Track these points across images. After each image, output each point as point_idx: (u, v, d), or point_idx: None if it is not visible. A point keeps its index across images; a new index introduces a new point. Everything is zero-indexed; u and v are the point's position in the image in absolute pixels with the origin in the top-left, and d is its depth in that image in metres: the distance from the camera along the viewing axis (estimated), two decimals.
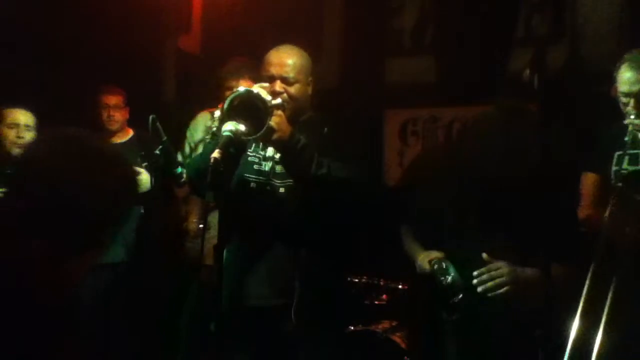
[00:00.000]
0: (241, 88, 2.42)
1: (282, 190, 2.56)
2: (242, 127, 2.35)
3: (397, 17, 4.91)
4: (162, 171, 3.16)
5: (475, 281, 2.42)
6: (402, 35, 4.90)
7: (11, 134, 3.52)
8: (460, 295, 2.47)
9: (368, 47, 4.89)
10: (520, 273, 2.40)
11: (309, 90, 2.65)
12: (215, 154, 2.32)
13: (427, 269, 2.58)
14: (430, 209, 2.68)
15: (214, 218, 2.85)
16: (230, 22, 4.75)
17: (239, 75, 3.43)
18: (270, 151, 2.60)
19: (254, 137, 2.41)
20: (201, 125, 3.77)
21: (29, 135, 3.52)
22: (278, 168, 2.58)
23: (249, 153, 2.63)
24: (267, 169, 2.60)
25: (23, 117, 3.54)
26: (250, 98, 2.39)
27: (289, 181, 2.55)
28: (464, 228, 2.55)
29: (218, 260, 2.66)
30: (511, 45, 4.47)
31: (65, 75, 4.13)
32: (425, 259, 2.61)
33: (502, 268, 2.39)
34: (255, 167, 2.62)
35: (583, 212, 2.87)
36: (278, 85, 2.55)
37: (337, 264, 2.65)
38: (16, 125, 3.52)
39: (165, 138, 3.09)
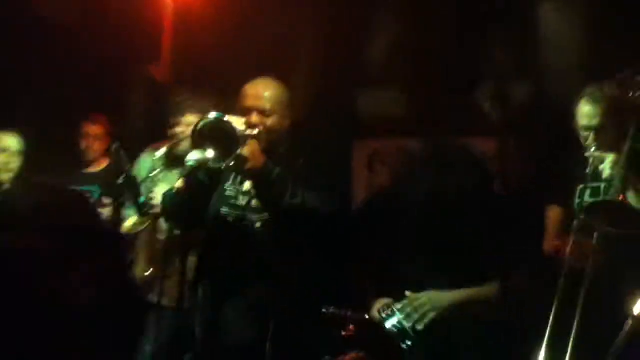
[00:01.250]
0: (211, 115, 2.41)
1: (258, 225, 2.56)
2: (209, 155, 2.35)
3: (365, 50, 5.00)
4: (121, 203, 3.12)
5: (401, 316, 2.52)
6: (370, 67, 4.98)
7: (0, 158, 3.41)
8: (409, 343, 2.58)
9: (337, 78, 4.95)
10: (442, 297, 2.57)
11: (287, 121, 2.66)
12: (179, 183, 2.32)
13: (377, 317, 2.75)
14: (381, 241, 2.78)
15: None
16: (201, 51, 4.78)
17: (180, 113, 3.31)
18: (247, 185, 2.59)
19: (222, 165, 2.40)
20: (146, 163, 3.60)
21: (18, 161, 3.42)
22: (255, 202, 2.57)
23: (226, 187, 2.62)
24: (243, 203, 2.59)
25: (13, 142, 3.43)
26: (220, 125, 2.39)
27: (266, 215, 2.54)
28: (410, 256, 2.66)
29: (193, 296, 2.65)
30: (477, 80, 4.58)
31: (35, 102, 4.10)
32: (376, 307, 2.78)
33: (421, 298, 2.52)
34: (232, 201, 2.60)
35: (548, 243, 2.95)
36: (254, 118, 2.55)
37: (313, 296, 2.66)
38: (5, 150, 3.41)
39: (128, 167, 3.06)
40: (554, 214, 2.98)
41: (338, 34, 4.98)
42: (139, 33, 4.72)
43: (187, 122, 3.25)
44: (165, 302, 3.07)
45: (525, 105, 4.28)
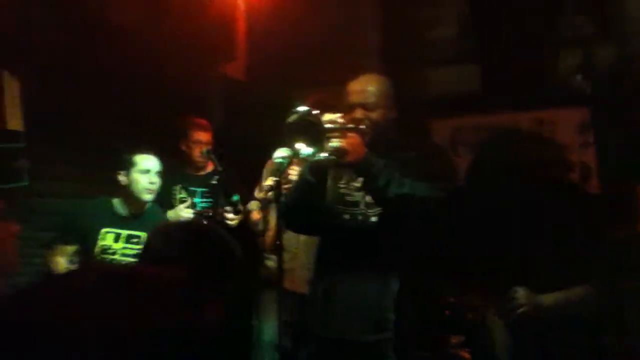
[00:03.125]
0: (300, 108, 2.43)
1: (373, 219, 2.57)
2: (298, 147, 2.37)
3: (437, 28, 4.90)
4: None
5: None
6: (444, 45, 4.88)
7: (143, 179, 3.48)
8: None
9: (409, 60, 4.89)
10: (536, 298, 2.63)
11: (392, 114, 2.67)
12: (269, 181, 2.34)
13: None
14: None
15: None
16: (275, 47, 4.80)
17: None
18: (360, 181, 2.60)
19: (314, 157, 2.41)
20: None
21: (158, 181, 3.51)
22: (369, 198, 2.58)
23: (340, 185, 2.65)
24: (358, 199, 2.62)
25: (153, 163, 3.53)
26: (308, 118, 2.41)
27: (381, 210, 2.55)
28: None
29: (312, 292, 2.68)
30: (557, 49, 4.42)
31: (114, 104, 4.20)
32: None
33: (519, 292, 2.63)
34: (348, 198, 2.64)
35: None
36: (358, 113, 2.59)
37: (433, 287, 2.65)
38: (148, 172, 3.49)
39: (221, 169, 3.13)
40: None
41: (408, 14, 4.91)
42: (214, 34, 4.78)
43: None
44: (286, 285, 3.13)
45: (613, 74, 4.10)
